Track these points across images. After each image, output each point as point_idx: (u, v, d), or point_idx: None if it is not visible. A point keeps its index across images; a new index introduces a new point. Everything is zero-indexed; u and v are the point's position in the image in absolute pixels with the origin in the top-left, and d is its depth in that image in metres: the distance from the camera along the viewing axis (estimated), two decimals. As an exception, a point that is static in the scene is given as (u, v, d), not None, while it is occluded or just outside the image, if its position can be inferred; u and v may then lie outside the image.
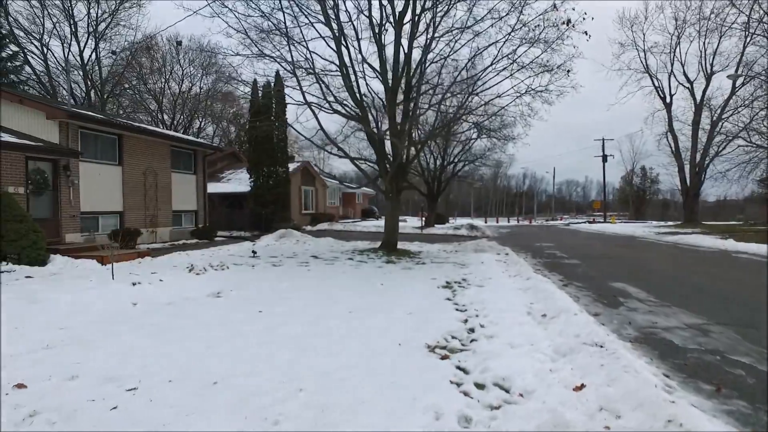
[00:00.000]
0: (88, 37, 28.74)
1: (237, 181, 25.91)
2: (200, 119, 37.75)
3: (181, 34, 49.31)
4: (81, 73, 29.02)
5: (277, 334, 5.05)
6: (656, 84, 33.41)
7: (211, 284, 8.02)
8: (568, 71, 11.21)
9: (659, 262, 12.31)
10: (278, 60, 12.13)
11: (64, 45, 28.38)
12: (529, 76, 12.35)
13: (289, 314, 5.97)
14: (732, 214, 51.35)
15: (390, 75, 12.99)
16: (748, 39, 24.84)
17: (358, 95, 12.92)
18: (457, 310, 6.37)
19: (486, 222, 58.81)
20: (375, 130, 13.48)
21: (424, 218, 29.04)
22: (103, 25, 28.78)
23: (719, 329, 5.50)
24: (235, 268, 9.98)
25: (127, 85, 31.94)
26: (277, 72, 15.74)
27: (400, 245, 15.82)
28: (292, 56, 11.92)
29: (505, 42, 11.61)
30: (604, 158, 44.79)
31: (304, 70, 12.38)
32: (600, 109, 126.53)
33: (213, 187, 25.74)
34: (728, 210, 56.87)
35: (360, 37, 12.57)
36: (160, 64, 33.23)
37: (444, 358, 4.30)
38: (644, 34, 38.72)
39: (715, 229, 24.80)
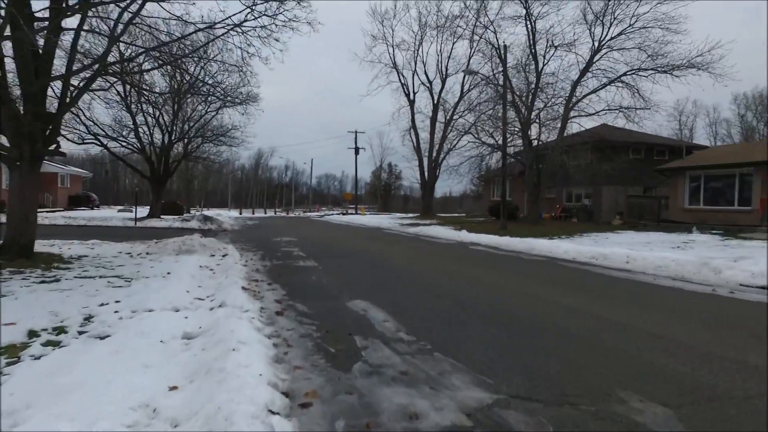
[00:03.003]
0: None
1: None
2: None
3: None
4: None
5: None
6: (402, 80, 34.84)
7: None
8: (301, -4, 7.98)
9: (406, 261, 10.34)
10: None
11: None
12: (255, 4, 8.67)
13: None
14: (454, 208, 61.55)
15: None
16: (475, 46, 27.27)
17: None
18: None
19: (241, 213, 53.98)
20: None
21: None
22: None
23: (525, 423, 2.72)
24: None
25: None
26: None
27: (57, 246, 10.11)
28: None
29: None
30: (356, 150, 45.63)
31: None
32: (356, 104, 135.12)
33: None
34: (451, 204, 68.36)
35: None
36: None
37: None
38: (393, 30, 40.56)
39: (447, 221, 26.54)
